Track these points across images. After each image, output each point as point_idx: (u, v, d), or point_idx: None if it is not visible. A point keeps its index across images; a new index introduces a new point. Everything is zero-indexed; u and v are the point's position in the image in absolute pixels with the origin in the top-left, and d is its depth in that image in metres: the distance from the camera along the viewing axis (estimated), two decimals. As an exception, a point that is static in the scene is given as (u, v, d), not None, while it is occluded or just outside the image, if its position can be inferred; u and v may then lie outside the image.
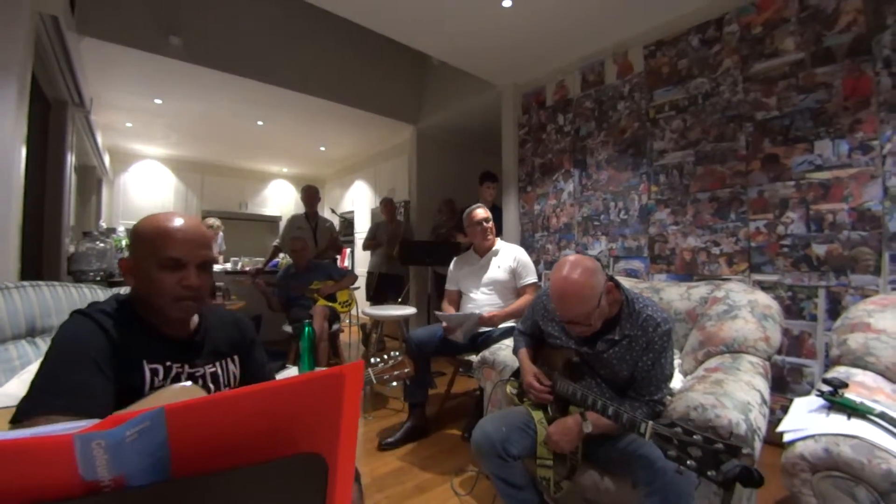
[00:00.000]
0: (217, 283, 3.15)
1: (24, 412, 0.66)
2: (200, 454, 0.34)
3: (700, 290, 1.78)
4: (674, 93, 2.65)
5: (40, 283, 1.35)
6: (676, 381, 1.43)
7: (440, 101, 4.54)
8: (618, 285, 1.27)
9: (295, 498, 0.37)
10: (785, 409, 1.21)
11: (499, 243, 2.41)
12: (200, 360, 0.90)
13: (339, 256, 4.67)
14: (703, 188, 2.50)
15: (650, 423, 0.96)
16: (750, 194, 2.31)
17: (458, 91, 4.20)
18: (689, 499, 1.03)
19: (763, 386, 1.28)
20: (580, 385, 1.27)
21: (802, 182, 2.13)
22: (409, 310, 3.07)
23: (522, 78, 3.58)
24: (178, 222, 0.82)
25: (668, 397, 1.25)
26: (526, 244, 3.48)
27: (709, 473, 0.81)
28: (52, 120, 2.78)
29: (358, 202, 6.32)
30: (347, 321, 4.01)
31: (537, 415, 1.34)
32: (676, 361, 1.59)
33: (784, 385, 2.14)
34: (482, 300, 2.30)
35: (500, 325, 2.20)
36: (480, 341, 2.17)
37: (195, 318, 0.92)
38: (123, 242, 3.83)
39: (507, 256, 2.34)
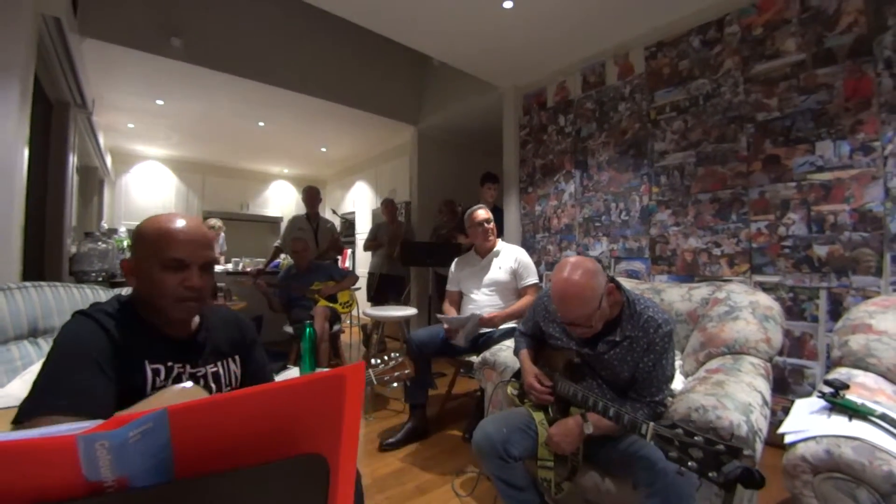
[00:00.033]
0: (218, 284, 3.16)
1: (26, 412, 0.66)
2: (203, 455, 0.34)
3: (701, 291, 1.78)
4: (675, 94, 2.65)
5: (42, 283, 1.35)
6: (677, 383, 1.43)
7: (441, 101, 4.54)
8: (619, 286, 1.27)
9: (297, 499, 0.37)
10: (786, 411, 1.21)
11: (500, 244, 2.41)
12: (202, 360, 0.90)
13: (340, 257, 4.68)
14: (705, 189, 2.50)
15: (651, 424, 0.96)
16: (751, 195, 2.31)
17: (459, 92, 4.21)
18: (691, 500, 1.03)
19: (764, 387, 1.28)
20: (581, 386, 1.27)
21: (804, 183, 2.13)
22: (410, 310, 3.07)
23: (523, 79, 3.59)
24: (180, 223, 0.83)
25: (670, 398, 1.25)
26: (527, 245, 3.48)
27: (710, 475, 0.81)
28: (54, 121, 2.79)
29: (359, 203, 6.33)
30: (348, 322, 4.01)
31: (538, 416, 1.34)
32: (677, 362, 1.58)
33: (785, 386, 2.13)
34: (483, 301, 2.30)
35: (501, 326, 2.20)
36: (481, 342, 2.17)
37: (196, 318, 0.92)
38: (125, 243, 3.84)
39: (508, 257, 2.34)
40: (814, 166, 2.10)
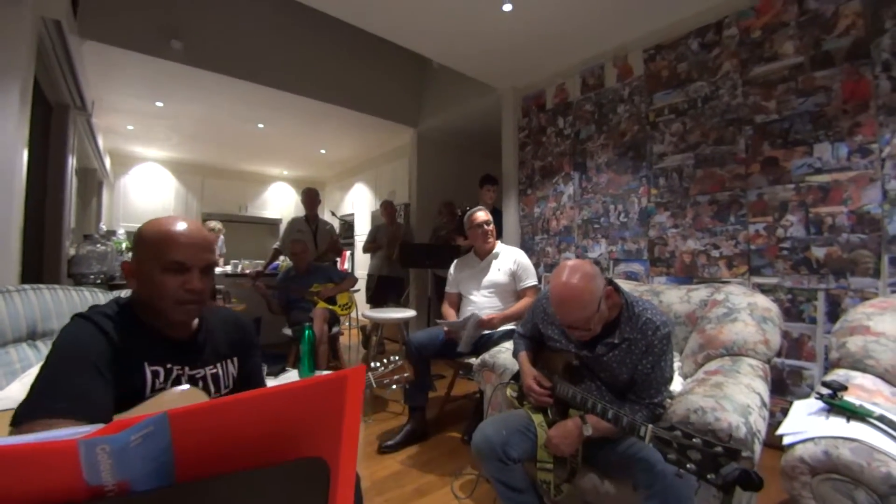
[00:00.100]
0: (217, 286, 3.15)
1: (24, 415, 0.66)
2: (204, 459, 0.34)
3: (700, 292, 1.79)
4: (673, 96, 2.66)
5: (41, 286, 1.35)
6: (676, 384, 1.43)
7: (440, 103, 4.55)
8: (617, 289, 1.27)
9: (297, 502, 0.37)
10: (785, 412, 1.21)
11: (499, 246, 2.42)
12: (201, 362, 0.91)
13: (339, 259, 4.67)
14: (703, 191, 2.50)
15: (650, 426, 0.96)
16: (749, 197, 2.31)
17: (458, 94, 4.22)
18: (689, 502, 1.04)
19: (763, 389, 1.28)
20: (580, 388, 1.28)
21: (802, 185, 2.13)
22: (409, 312, 3.07)
23: (522, 81, 3.59)
24: (181, 226, 0.83)
25: (668, 400, 1.25)
26: (526, 247, 3.48)
27: (708, 477, 0.81)
28: (53, 123, 2.80)
29: (358, 205, 6.33)
30: (347, 324, 4.01)
31: (537, 418, 1.34)
32: (676, 364, 1.59)
33: (784, 388, 2.14)
34: (482, 303, 2.31)
35: (501, 328, 2.20)
36: (480, 344, 2.18)
37: (196, 320, 0.93)
38: (124, 245, 3.84)
39: (508, 259, 2.35)
40: (812, 168, 2.10)
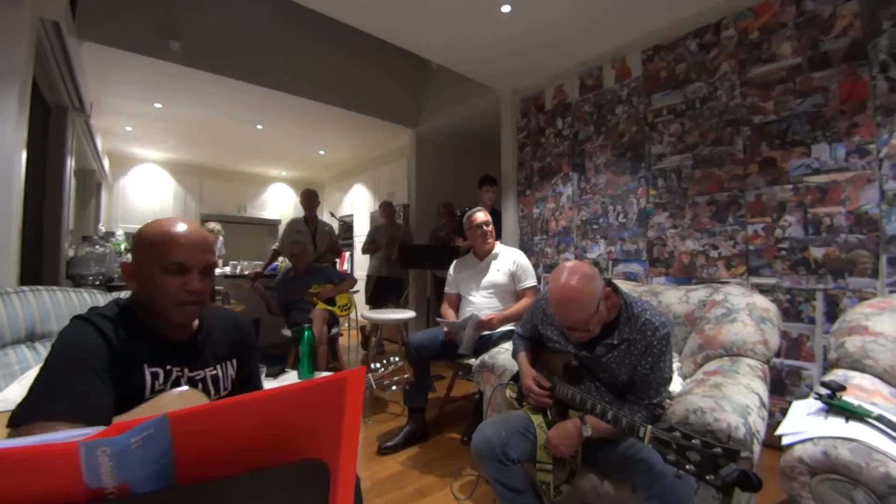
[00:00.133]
0: (216, 287, 3.15)
1: (22, 417, 0.66)
2: (204, 461, 0.34)
3: (698, 293, 1.79)
4: (672, 97, 2.66)
5: (40, 287, 1.35)
6: (675, 385, 1.44)
7: (439, 104, 4.56)
8: (616, 289, 1.28)
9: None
10: (784, 412, 1.21)
11: (498, 247, 2.42)
12: (201, 363, 0.91)
13: (338, 260, 4.67)
14: (702, 192, 2.51)
15: (649, 427, 0.96)
16: (748, 198, 2.32)
17: (457, 95, 4.22)
18: (689, 503, 1.04)
19: (762, 389, 1.28)
20: (579, 389, 1.28)
21: (800, 185, 2.14)
22: (409, 313, 3.07)
23: (521, 82, 3.60)
24: (181, 228, 0.84)
25: (668, 401, 1.25)
26: (525, 248, 3.49)
27: (707, 478, 0.81)
28: (52, 124, 2.79)
29: (357, 206, 6.33)
30: (346, 325, 4.00)
31: (537, 419, 1.35)
32: (675, 364, 1.59)
33: (783, 388, 2.14)
34: (482, 303, 2.31)
35: (500, 329, 2.20)
36: (480, 345, 2.17)
37: (196, 321, 0.93)
38: (122, 246, 3.84)
39: (507, 260, 2.35)
40: (810, 169, 2.11)
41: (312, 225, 3.84)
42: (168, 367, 0.85)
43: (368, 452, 2.14)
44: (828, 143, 2.06)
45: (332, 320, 3.06)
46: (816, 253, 2.08)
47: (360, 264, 5.77)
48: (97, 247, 3.16)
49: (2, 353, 1.19)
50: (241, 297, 3.63)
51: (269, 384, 1.78)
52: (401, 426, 2.29)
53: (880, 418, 1.00)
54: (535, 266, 3.08)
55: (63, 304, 1.37)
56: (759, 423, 1.12)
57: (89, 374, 0.72)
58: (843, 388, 1.14)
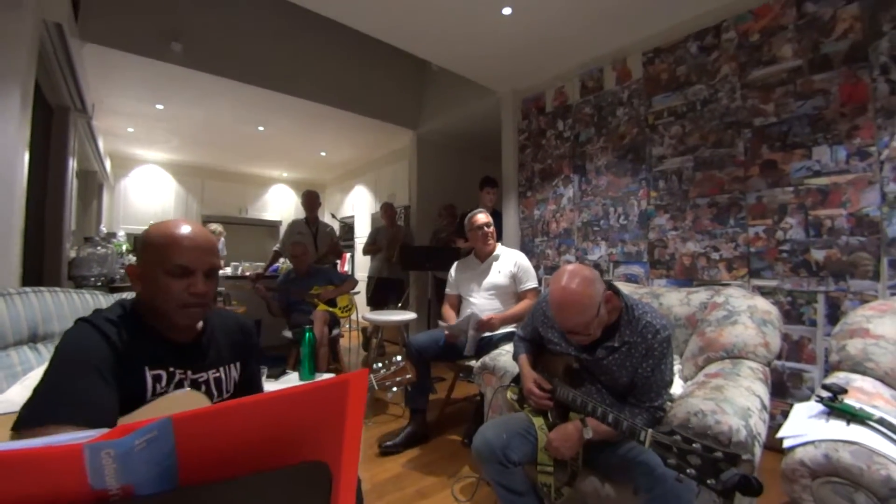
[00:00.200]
0: (217, 288, 3.15)
1: (27, 421, 0.66)
2: (207, 463, 0.34)
3: (700, 295, 1.79)
4: (672, 99, 2.67)
5: (42, 288, 1.35)
6: (677, 387, 1.44)
7: (440, 106, 4.56)
8: (617, 292, 1.28)
9: (300, 506, 0.38)
10: (785, 415, 1.21)
11: (499, 248, 2.42)
12: (204, 366, 0.91)
13: (339, 261, 4.68)
14: (702, 194, 2.51)
15: (649, 431, 0.96)
16: (749, 200, 2.32)
17: (458, 96, 4.23)
18: (690, 505, 1.04)
19: (763, 391, 1.28)
20: (580, 391, 1.28)
21: (801, 188, 2.14)
22: (410, 315, 3.07)
23: (522, 84, 3.60)
24: (186, 230, 0.84)
25: (669, 403, 1.25)
26: (526, 249, 3.49)
27: (708, 482, 0.81)
28: (54, 126, 2.80)
29: (358, 207, 6.34)
30: (347, 326, 4.01)
31: (538, 421, 1.35)
32: (676, 367, 1.59)
33: (784, 390, 2.14)
34: (483, 305, 2.31)
35: (501, 331, 2.20)
36: (481, 346, 2.18)
37: (200, 323, 0.93)
38: (124, 247, 3.84)
39: (508, 261, 2.35)
40: (811, 171, 2.11)
41: (313, 226, 3.84)
42: (171, 370, 0.85)
43: (369, 454, 2.14)
44: (828, 145, 2.06)
45: (333, 321, 3.06)
46: (818, 255, 2.07)
47: (360, 266, 5.78)
48: (99, 248, 3.17)
49: (4, 354, 1.19)
50: (243, 299, 3.63)
51: (270, 385, 1.78)
52: (401, 427, 2.29)
53: (881, 421, 1.00)
54: (536, 268, 3.07)
55: (65, 305, 1.37)
56: (760, 426, 1.12)
57: (94, 376, 0.72)
58: (845, 391, 1.14)
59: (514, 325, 2.21)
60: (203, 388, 0.89)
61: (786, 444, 1.05)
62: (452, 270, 2.53)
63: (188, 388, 0.86)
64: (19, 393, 1.04)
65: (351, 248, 6.27)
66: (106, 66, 3.15)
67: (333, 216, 6.21)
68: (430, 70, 4.55)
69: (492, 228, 2.38)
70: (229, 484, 0.34)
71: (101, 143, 4.30)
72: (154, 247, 0.82)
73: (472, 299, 2.36)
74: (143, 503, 0.32)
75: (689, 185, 2.57)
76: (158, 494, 0.33)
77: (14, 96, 1.79)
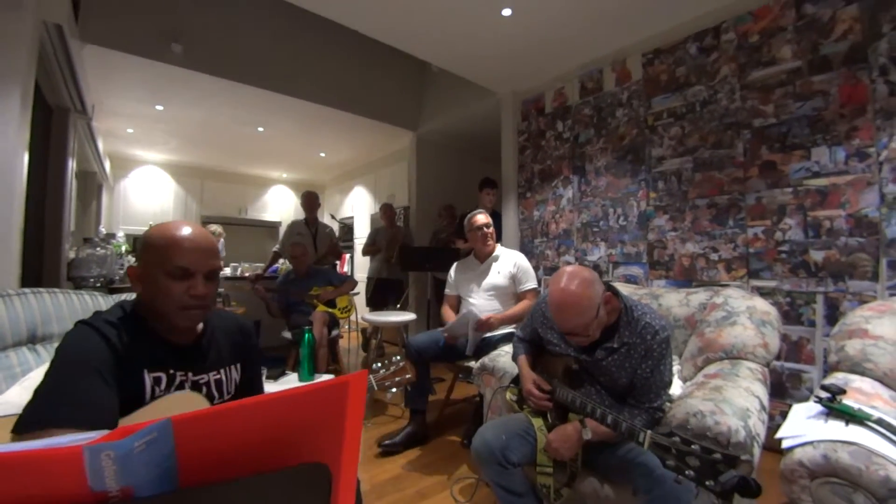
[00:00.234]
0: (218, 290, 3.15)
1: (28, 424, 0.66)
2: (207, 464, 0.34)
3: (699, 296, 1.79)
4: (672, 100, 2.67)
5: (41, 289, 1.35)
6: (676, 388, 1.44)
7: (440, 107, 4.56)
8: (616, 293, 1.28)
9: (299, 507, 0.38)
10: (784, 415, 1.21)
11: (499, 249, 2.42)
12: (205, 367, 0.91)
13: (338, 262, 4.67)
14: (702, 195, 2.51)
15: (648, 432, 0.96)
16: (748, 201, 2.32)
17: (458, 97, 4.23)
18: (689, 507, 1.04)
19: (762, 392, 1.28)
20: (579, 392, 1.28)
21: (800, 189, 2.14)
22: (409, 316, 3.07)
23: (522, 85, 3.61)
24: (186, 231, 0.84)
25: (668, 404, 1.25)
26: (525, 250, 3.49)
27: (707, 484, 0.81)
28: (53, 126, 2.80)
29: (357, 208, 6.34)
30: (347, 327, 4.01)
31: (537, 422, 1.35)
32: (675, 367, 1.59)
33: (783, 391, 2.14)
34: (483, 305, 2.31)
35: (501, 332, 2.20)
36: (481, 347, 2.17)
37: (200, 324, 0.93)
38: (123, 248, 3.84)
39: (508, 262, 2.35)
40: (810, 172, 2.11)
41: (313, 227, 3.85)
42: (171, 372, 0.85)
43: (368, 455, 2.14)
44: (828, 146, 2.06)
45: (333, 322, 3.06)
46: (816, 256, 2.08)
47: (360, 266, 5.78)
48: (98, 248, 3.17)
49: (3, 356, 1.19)
50: (242, 299, 3.63)
51: (269, 386, 1.78)
52: (401, 428, 2.29)
53: (880, 422, 1.00)
54: (536, 268, 3.08)
55: (64, 306, 1.37)
56: (759, 427, 1.12)
57: (94, 378, 0.72)
58: (843, 392, 1.14)
59: (513, 325, 2.21)
60: (204, 389, 0.89)
61: (784, 444, 1.06)
62: (452, 271, 2.53)
63: (188, 390, 0.86)
64: (18, 394, 1.04)
65: (350, 248, 6.27)
66: (106, 67, 3.16)
67: (333, 217, 6.21)
68: (430, 71, 4.55)
69: (491, 229, 2.38)
70: (229, 485, 0.35)
71: (100, 144, 4.30)
72: (154, 248, 0.82)
73: (471, 300, 2.36)
74: (143, 505, 0.32)
75: (688, 186, 2.57)
76: (158, 496, 0.33)
77: (14, 97, 1.79)
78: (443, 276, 2.79)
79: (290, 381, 1.97)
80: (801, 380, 2.11)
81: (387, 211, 4.46)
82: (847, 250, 1.99)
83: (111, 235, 4.15)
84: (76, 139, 3.16)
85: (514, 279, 2.31)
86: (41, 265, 2.66)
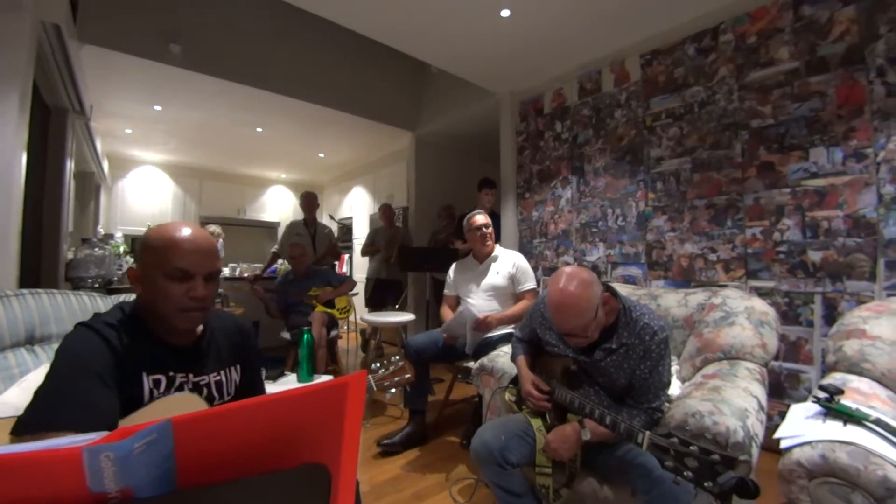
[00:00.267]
0: (218, 291, 3.14)
1: (28, 426, 0.65)
2: (206, 466, 0.34)
3: (697, 296, 1.79)
4: (670, 101, 2.68)
5: (39, 290, 1.35)
6: (674, 388, 1.44)
7: (439, 108, 4.57)
8: (614, 294, 1.28)
9: (298, 508, 0.38)
10: (782, 415, 1.21)
11: (498, 249, 2.42)
12: (205, 369, 0.90)
13: (337, 262, 4.67)
14: (700, 195, 2.52)
15: (647, 433, 0.96)
16: (746, 201, 2.33)
17: (457, 98, 4.23)
18: (687, 507, 1.04)
19: (760, 392, 1.28)
20: (578, 393, 1.28)
21: (798, 189, 2.15)
22: (408, 316, 3.07)
23: (520, 86, 3.61)
24: (186, 233, 0.83)
25: (666, 404, 1.25)
26: (524, 250, 3.49)
27: (705, 485, 0.81)
28: (52, 127, 2.79)
29: (356, 208, 6.34)
30: (346, 327, 4.00)
31: (536, 422, 1.35)
32: (674, 368, 1.59)
33: (781, 391, 2.14)
34: (482, 306, 2.31)
35: (500, 332, 2.20)
36: (480, 347, 2.17)
37: (200, 326, 0.93)
38: (121, 249, 3.83)
39: (507, 262, 2.35)
40: (807, 173, 2.12)
41: (312, 227, 3.84)
42: (171, 374, 0.84)
43: (367, 455, 2.14)
44: (825, 147, 2.07)
45: (332, 323, 3.06)
46: (814, 256, 2.08)
47: (359, 267, 5.77)
48: (96, 249, 3.16)
49: (1, 357, 1.19)
50: (241, 300, 3.62)
51: (268, 387, 1.77)
52: (400, 428, 2.29)
53: (878, 422, 1.00)
54: (535, 269, 3.08)
55: (62, 307, 1.36)
56: (757, 427, 1.12)
57: (95, 381, 0.72)
58: (841, 392, 1.14)
59: (511, 326, 2.21)
60: (204, 391, 0.89)
61: (783, 444, 1.06)
62: (451, 271, 2.53)
63: (186, 392, 0.86)
64: (16, 395, 1.03)
65: (349, 249, 6.27)
66: (104, 67, 3.15)
67: (332, 217, 6.21)
68: (429, 72, 4.56)
69: (490, 229, 2.38)
70: (228, 486, 0.35)
71: (98, 145, 4.29)
72: (153, 250, 0.82)
73: (470, 300, 2.36)
74: (142, 506, 0.32)
75: (686, 187, 2.58)
76: (157, 497, 0.33)
77: (12, 98, 1.79)
78: (442, 276, 2.79)
79: (289, 382, 1.97)
80: (799, 380, 2.11)
81: (386, 211, 4.46)
82: (845, 251, 1.99)
83: (109, 236, 4.13)
84: (74, 139, 3.15)
85: (513, 279, 2.31)
86: (39, 266, 2.65)
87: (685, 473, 0.85)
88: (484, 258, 2.39)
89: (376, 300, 4.32)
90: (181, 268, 0.80)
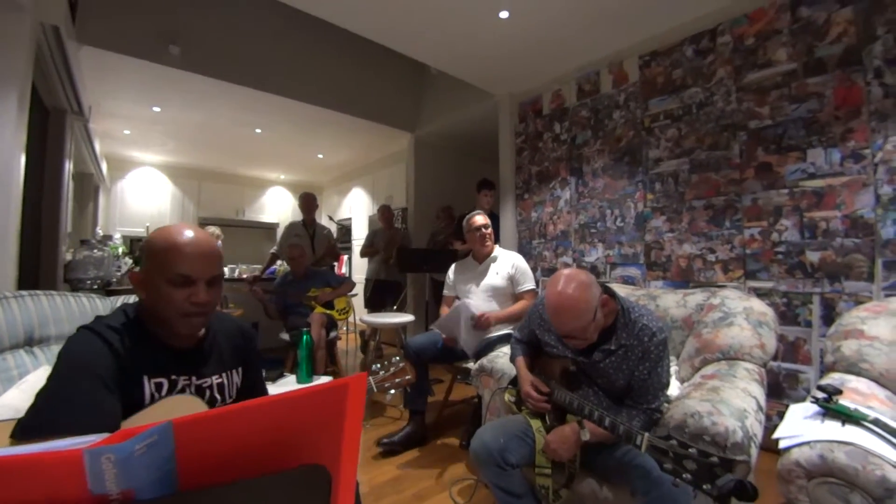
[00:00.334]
0: (221, 295, 3.14)
1: (29, 429, 0.65)
2: (207, 467, 0.34)
3: (696, 297, 1.80)
4: (668, 102, 2.68)
5: (38, 292, 1.35)
6: (673, 388, 1.44)
7: (438, 109, 4.57)
8: (613, 295, 1.28)
9: (299, 509, 0.38)
10: (781, 416, 1.22)
11: (497, 250, 2.42)
12: (207, 371, 0.90)
13: (336, 263, 4.67)
14: (698, 196, 2.52)
15: (646, 435, 0.96)
16: (744, 202, 2.33)
17: (456, 99, 4.24)
18: (687, 508, 1.04)
19: (759, 392, 1.29)
20: (577, 394, 1.28)
21: (796, 190, 2.15)
22: (407, 317, 3.07)
23: (519, 87, 3.62)
24: (188, 237, 0.82)
25: (665, 405, 1.25)
26: (523, 251, 3.49)
27: (704, 487, 0.81)
28: (50, 128, 2.79)
29: (356, 209, 6.34)
30: (345, 329, 4.00)
31: (535, 423, 1.35)
32: (673, 368, 1.59)
33: (780, 391, 2.15)
34: (481, 306, 2.30)
35: (499, 332, 2.20)
36: (481, 348, 2.17)
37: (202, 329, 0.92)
38: (120, 250, 3.83)
39: (506, 263, 2.35)
40: (805, 173, 2.13)
41: (311, 228, 3.84)
42: (173, 377, 0.84)
43: (367, 456, 2.14)
44: (823, 147, 2.07)
45: (331, 324, 3.06)
46: (813, 257, 2.09)
47: (358, 268, 5.77)
48: (95, 250, 3.15)
49: (0, 359, 1.19)
50: (240, 301, 3.62)
51: (268, 389, 1.77)
52: (400, 429, 2.29)
53: (876, 422, 1.01)
54: (534, 270, 3.08)
55: (61, 309, 1.36)
56: (756, 427, 1.12)
57: (97, 384, 0.72)
58: (840, 392, 1.15)
59: (510, 326, 2.21)
60: (207, 393, 0.89)
61: (782, 444, 1.06)
62: (450, 272, 2.53)
63: (187, 394, 0.86)
64: (15, 397, 1.03)
65: (348, 250, 6.27)
66: (103, 68, 3.15)
67: (331, 218, 6.22)
68: (429, 73, 4.56)
69: (489, 230, 2.38)
70: (228, 487, 0.35)
71: (97, 146, 4.29)
72: (156, 254, 0.81)
73: (469, 301, 2.35)
74: (143, 507, 0.32)
75: (685, 188, 2.58)
76: (158, 499, 0.33)
77: (11, 99, 1.79)
78: (441, 277, 2.79)
79: (288, 383, 1.97)
80: (797, 380, 2.11)
81: (385, 212, 4.46)
82: (843, 251, 2.00)
83: (108, 237, 4.13)
84: (73, 141, 3.15)
85: (513, 280, 2.31)
86: (38, 267, 2.65)
87: (684, 476, 0.85)
88: (483, 259, 2.39)
89: (375, 301, 4.32)
90: (183, 273, 0.80)
